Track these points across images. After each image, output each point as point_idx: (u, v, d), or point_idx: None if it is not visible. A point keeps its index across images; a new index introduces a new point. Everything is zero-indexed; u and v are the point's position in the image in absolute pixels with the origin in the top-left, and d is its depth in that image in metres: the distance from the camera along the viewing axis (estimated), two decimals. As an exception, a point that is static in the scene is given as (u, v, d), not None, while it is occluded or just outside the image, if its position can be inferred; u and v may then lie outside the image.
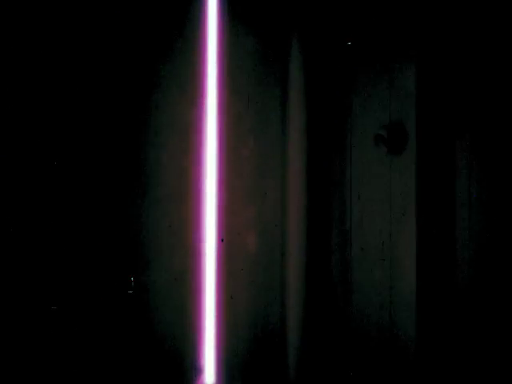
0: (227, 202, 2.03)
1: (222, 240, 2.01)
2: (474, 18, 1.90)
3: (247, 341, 2.05)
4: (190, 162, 2.02)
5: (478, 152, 1.88)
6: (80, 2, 1.98)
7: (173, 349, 2.01)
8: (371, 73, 2.00)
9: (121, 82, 2.01)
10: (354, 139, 2.04)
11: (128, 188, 2.01)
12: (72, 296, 1.96)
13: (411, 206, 1.90)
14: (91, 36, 1.99)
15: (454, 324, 1.91)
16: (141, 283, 2.00)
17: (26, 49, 1.94)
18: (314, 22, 2.10)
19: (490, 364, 1.87)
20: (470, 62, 1.90)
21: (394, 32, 1.95)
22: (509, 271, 1.83)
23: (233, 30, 2.06)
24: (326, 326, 2.07)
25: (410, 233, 1.90)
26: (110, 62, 2.01)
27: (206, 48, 2.04)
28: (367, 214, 2.01)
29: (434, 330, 1.92)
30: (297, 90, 2.09)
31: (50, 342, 1.94)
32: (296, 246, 2.07)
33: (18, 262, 1.91)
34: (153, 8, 2.03)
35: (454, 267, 1.90)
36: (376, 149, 1.96)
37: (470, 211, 1.88)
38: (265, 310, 2.06)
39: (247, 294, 2.04)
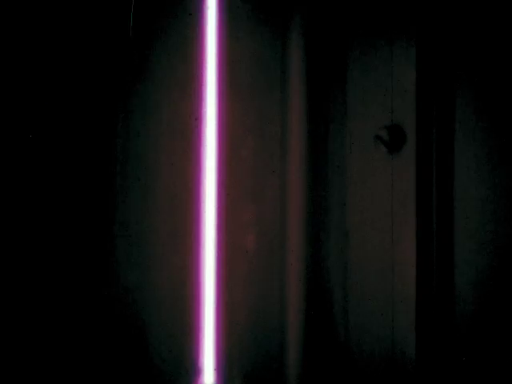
0: (227, 201, 2.03)
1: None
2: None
3: (247, 340, 2.04)
4: (189, 162, 2.02)
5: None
6: None
7: (172, 349, 2.01)
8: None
9: (121, 83, 2.02)
10: (352, 142, 2.03)
11: (126, 188, 2.01)
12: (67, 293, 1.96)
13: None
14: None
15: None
16: (140, 283, 2.00)
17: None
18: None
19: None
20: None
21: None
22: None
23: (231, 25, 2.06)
24: (325, 320, 2.07)
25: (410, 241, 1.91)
26: (99, 70, 2.02)
27: (205, 45, 2.03)
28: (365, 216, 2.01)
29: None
30: (296, 83, 2.08)
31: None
32: (296, 246, 2.06)
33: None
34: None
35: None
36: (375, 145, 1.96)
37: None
38: (264, 309, 2.06)
39: (247, 294, 2.04)
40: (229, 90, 2.04)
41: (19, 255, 1.93)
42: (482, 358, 1.87)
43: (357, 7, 2.02)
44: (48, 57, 1.99)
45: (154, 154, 2.02)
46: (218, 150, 2.02)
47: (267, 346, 2.05)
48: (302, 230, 2.06)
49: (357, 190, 2.01)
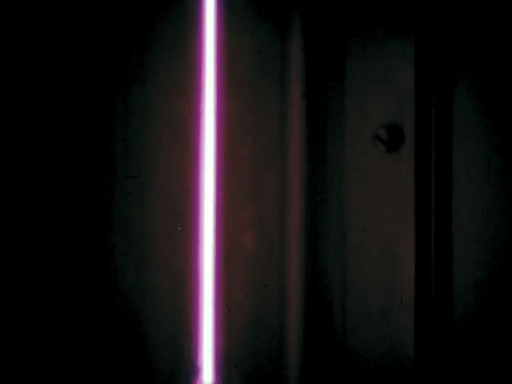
0: (225, 200, 2.02)
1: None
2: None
3: (246, 340, 2.04)
4: (188, 160, 2.01)
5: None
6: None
7: (170, 348, 2.01)
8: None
9: (120, 80, 2.02)
10: (350, 143, 2.02)
11: (124, 187, 2.01)
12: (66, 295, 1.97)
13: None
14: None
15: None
16: (138, 282, 2.00)
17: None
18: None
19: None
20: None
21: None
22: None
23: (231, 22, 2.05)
24: (325, 320, 2.07)
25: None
26: (103, 67, 2.01)
27: (204, 42, 2.02)
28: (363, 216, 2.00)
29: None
30: (296, 81, 2.07)
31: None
32: (296, 245, 2.06)
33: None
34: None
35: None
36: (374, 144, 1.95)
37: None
38: (264, 309, 2.05)
39: (245, 294, 2.04)
40: (227, 87, 2.03)
41: (15, 253, 1.93)
42: (481, 358, 1.86)
43: (356, 6, 2.00)
44: (45, 56, 1.99)
45: (152, 153, 2.01)
46: (217, 148, 2.01)
47: (266, 346, 2.05)
48: (302, 229, 2.05)
49: (355, 190, 2.00)
